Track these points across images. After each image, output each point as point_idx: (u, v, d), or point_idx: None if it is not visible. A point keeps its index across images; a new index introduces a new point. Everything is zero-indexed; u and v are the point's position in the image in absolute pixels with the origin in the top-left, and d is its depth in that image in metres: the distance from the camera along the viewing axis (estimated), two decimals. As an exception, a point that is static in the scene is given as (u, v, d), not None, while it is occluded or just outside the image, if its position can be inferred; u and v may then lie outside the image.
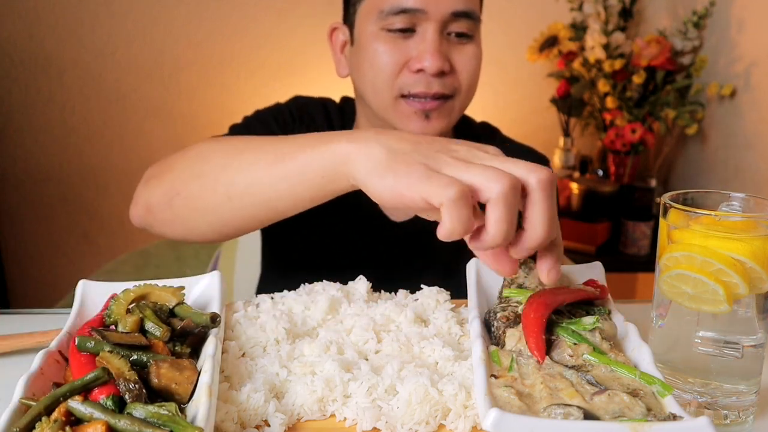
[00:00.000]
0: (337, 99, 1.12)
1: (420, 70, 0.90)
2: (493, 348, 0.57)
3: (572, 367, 0.54)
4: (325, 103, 1.09)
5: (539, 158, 1.14)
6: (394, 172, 0.54)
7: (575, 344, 0.56)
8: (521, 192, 0.53)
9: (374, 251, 1.05)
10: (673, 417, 0.48)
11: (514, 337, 0.57)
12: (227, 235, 0.78)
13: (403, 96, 0.93)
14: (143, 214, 0.82)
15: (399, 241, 1.05)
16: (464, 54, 0.93)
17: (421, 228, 1.09)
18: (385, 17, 0.90)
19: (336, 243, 1.06)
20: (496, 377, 0.53)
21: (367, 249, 1.05)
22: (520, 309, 0.60)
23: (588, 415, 0.48)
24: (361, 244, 1.05)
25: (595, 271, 0.70)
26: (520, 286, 0.65)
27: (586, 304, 0.63)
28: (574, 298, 0.62)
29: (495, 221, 0.51)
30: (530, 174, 0.53)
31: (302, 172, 0.64)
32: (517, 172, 0.53)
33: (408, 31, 0.91)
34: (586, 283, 0.66)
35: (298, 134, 0.70)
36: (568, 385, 0.51)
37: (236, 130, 1.01)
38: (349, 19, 0.99)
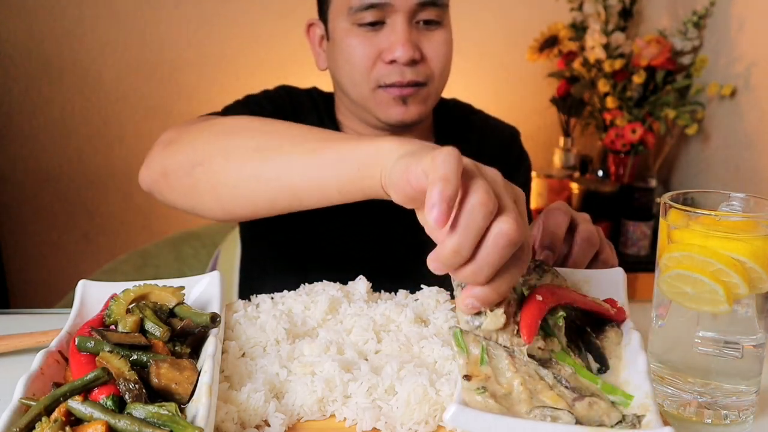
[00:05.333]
0: None
1: (393, 61, 0.94)
2: (455, 328, 0.53)
3: (540, 361, 0.53)
4: (311, 92, 1.12)
5: (510, 130, 1.18)
6: (413, 155, 0.54)
7: (547, 336, 0.55)
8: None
9: (365, 226, 1.04)
10: (637, 418, 0.48)
11: (497, 320, 0.52)
12: (234, 216, 0.78)
13: (380, 86, 0.96)
14: (157, 179, 0.81)
15: (391, 216, 1.04)
16: (434, 41, 0.96)
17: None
18: (354, 13, 0.94)
19: (326, 218, 1.05)
20: (468, 378, 0.50)
21: (357, 224, 1.05)
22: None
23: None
24: (352, 218, 1.04)
25: (616, 277, 0.68)
26: (531, 288, 0.63)
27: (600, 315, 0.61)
28: (585, 305, 0.59)
29: (449, 237, 0.48)
30: (500, 219, 0.49)
31: (340, 160, 0.63)
32: (502, 203, 0.50)
33: (378, 24, 0.94)
34: (607, 300, 0.63)
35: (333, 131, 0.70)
36: (545, 387, 0.50)
37: (232, 111, 1.01)
38: (323, 15, 1.02)
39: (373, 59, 0.95)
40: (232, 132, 0.76)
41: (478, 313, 0.53)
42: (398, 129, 1.02)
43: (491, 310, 0.53)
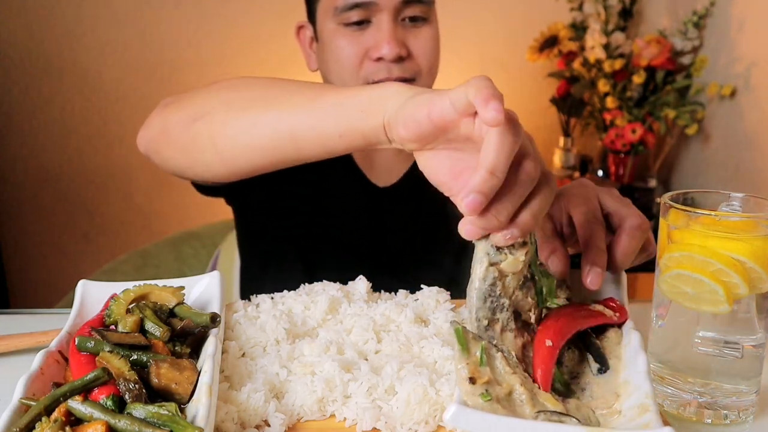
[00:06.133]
0: None
1: (380, 59, 0.95)
2: (456, 325, 0.53)
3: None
4: None
5: None
6: (428, 94, 0.54)
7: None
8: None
9: (360, 218, 1.06)
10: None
11: (516, 264, 0.54)
12: (233, 170, 0.76)
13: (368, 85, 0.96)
14: (155, 137, 0.82)
15: (385, 206, 1.06)
16: (420, 37, 0.97)
17: (406, 192, 1.04)
18: (340, 13, 0.95)
19: (321, 212, 1.06)
20: (473, 381, 0.50)
21: (352, 216, 1.06)
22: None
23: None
24: (347, 210, 1.06)
25: (616, 277, 0.67)
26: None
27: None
28: (592, 324, 0.59)
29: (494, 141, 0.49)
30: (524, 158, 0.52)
31: (340, 104, 0.62)
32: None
33: (364, 23, 0.96)
34: (606, 301, 0.63)
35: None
36: (536, 386, 0.51)
37: None
38: (311, 17, 1.03)
39: (361, 58, 0.96)
40: (231, 87, 0.77)
41: (500, 252, 0.53)
42: None
43: (512, 254, 0.53)
